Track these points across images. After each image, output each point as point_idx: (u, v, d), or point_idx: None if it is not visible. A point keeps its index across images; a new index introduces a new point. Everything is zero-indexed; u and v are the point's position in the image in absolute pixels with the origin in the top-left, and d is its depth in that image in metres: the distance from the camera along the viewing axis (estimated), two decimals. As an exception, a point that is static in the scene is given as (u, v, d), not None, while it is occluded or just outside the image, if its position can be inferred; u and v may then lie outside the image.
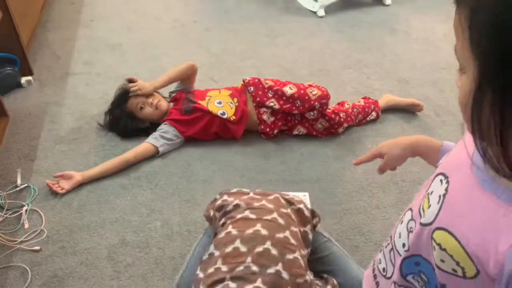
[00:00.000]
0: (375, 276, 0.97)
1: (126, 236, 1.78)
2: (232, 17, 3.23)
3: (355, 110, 2.29)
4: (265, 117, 2.18)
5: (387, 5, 3.42)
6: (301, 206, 1.43)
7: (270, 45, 2.96)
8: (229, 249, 1.24)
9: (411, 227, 0.81)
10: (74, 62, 2.70)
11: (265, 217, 1.31)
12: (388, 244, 0.91)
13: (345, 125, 2.25)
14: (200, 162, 2.12)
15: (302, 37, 3.06)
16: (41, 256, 1.69)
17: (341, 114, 2.23)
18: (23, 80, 2.48)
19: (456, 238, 0.65)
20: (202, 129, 2.16)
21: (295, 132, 2.23)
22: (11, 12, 2.34)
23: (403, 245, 0.83)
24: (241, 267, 1.19)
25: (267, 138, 2.22)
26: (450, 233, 0.67)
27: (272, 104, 2.17)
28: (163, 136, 2.13)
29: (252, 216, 1.32)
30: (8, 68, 2.42)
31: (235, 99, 2.21)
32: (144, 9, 3.26)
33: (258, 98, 2.19)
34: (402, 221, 0.86)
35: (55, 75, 2.59)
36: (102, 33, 2.97)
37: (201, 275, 1.23)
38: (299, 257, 1.24)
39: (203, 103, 2.18)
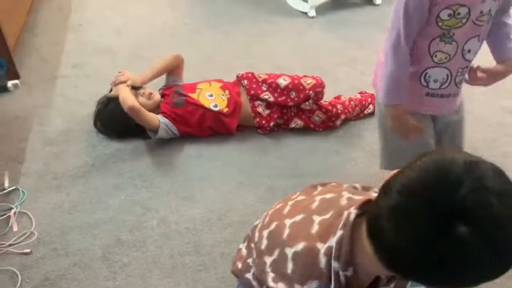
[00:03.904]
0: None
1: (121, 235, 1.70)
2: (222, 19, 3.19)
3: (352, 102, 2.25)
4: (260, 109, 2.13)
5: (377, 5, 3.42)
6: None
7: (262, 45, 2.92)
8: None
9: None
10: (63, 65, 2.63)
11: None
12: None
13: (343, 117, 2.20)
14: (195, 159, 2.05)
15: (294, 37, 3.03)
16: (32, 258, 1.60)
17: (338, 106, 2.19)
18: (10, 84, 2.39)
19: None
20: (196, 124, 2.10)
21: (292, 125, 2.17)
22: (-4, 14, 2.28)
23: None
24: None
25: (263, 132, 2.16)
26: None
27: (266, 96, 2.12)
28: (163, 119, 2.06)
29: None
30: (-6, 72, 2.34)
31: (227, 91, 2.16)
32: (133, 13, 3.21)
33: (252, 91, 2.14)
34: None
35: (43, 78, 2.51)
36: (91, 37, 2.90)
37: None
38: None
39: (193, 95, 2.12)
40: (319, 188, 1.06)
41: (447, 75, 1.37)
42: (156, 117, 2.04)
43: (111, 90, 2.15)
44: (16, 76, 2.45)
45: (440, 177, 0.66)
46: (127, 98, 1.98)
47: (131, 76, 2.13)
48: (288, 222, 0.94)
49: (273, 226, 0.97)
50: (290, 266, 0.88)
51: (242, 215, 1.80)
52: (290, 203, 1.02)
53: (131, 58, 2.73)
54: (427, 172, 0.67)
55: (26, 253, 1.61)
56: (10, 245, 1.63)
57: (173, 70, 2.24)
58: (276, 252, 0.92)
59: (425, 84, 1.40)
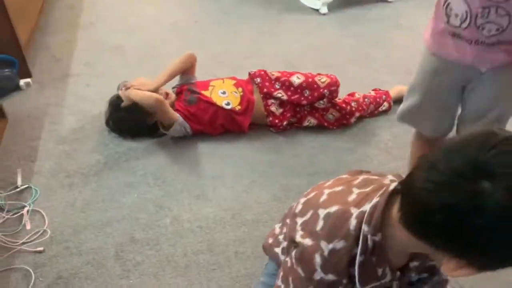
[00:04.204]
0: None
1: (134, 234, 1.68)
2: (232, 17, 3.17)
3: (366, 100, 2.22)
4: (273, 108, 2.11)
5: (390, 1, 3.37)
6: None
7: (273, 43, 2.90)
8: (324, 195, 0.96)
9: None
10: (74, 63, 2.62)
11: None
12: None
13: (357, 114, 2.17)
14: (208, 157, 2.03)
15: (306, 34, 3.00)
16: (45, 257, 1.59)
17: (352, 104, 2.16)
18: (22, 82, 2.39)
19: None
20: (208, 122, 2.08)
21: (305, 124, 2.14)
22: (8, 13, 2.27)
23: None
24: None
25: (276, 131, 2.14)
26: None
27: (280, 95, 2.09)
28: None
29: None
30: (6, 70, 2.34)
31: (240, 89, 2.13)
32: (143, 13, 3.20)
33: (265, 89, 2.11)
34: None
35: (55, 76, 2.51)
36: (102, 36, 2.90)
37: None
38: None
39: (206, 93, 2.10)
40: (364, 173, 1.07)
41: (466, 12, 1.26)
42: (175, 115, 2.02)
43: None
44: (28, 75, 2.45)
45: (480, 137, 0.68)
46: (147, 94, 1.97)
47: (145, 81, 2.10)
48: (327, 191, 0.95)
49: (311, 194, 0.98)
50: (320, 224, 0.89)
51: (255, 213, 1.78)
52: (333, 179, 1.03)
53: (142, 56, 2.72)
54: (472, 135, 0.69)
55: (39, 252, 1.60)
56: (23, 243, 1.63)
57: (187, 69, 2.21)
58: (309, 213, 0.93)
59: (446, 19, 1.32)
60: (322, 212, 0.90)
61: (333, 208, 0.89)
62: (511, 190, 0.62)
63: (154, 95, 1.97)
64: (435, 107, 1.52)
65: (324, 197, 0.94)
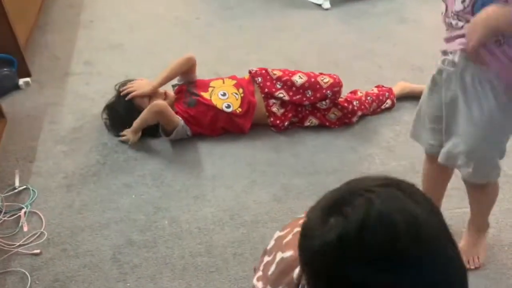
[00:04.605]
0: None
1: (132, 236, 1.66)
2: (235, 13, 3.14)
3: (368, 98, 2.18)
4: (274, 109, 2.07)
5: (394, -4, 3.32)
6: None
7: (276, 39, 2.86)
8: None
9: None
10: (74, 62, 2.61)
11: None
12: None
13: (359, 113, 2.13)
14: (207, 157, 2.01)
15: (309, 30, 2.96)
16: (42, 259, 1.58)
17: (354, 103, 2.12)
18: (21, 81, 2.38)
19: None
20: (208, 125, 2.05)
21: (307, 124, 2.11)
22: (6, 11, 2.26)
23: None
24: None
25: (277, 131, 2.10)
26: None
27: (281, 95, 2.06)
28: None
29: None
30: (5, 70, 2.33)
31: (240, 90, 2.09)
32: (145, 9, 3.18)
33: (266, 89, 2.08)
34: None
35: (55, 75, 2.49)
36: (103, 34, 2.88)
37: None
38: None
39: (206, 95, 2.07)
40: None
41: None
42: (178, 117, 2.00)
43: (119, 93, 2.10)
44: (28, 74, 2.44)
45: (351, 183, 0.63)
46: (145, 114, 1.98)
47: (143, 84, 2.08)
48: (295, 230, 0.92)
49: (285, 231, 0.95)
50: (272, 268, 0.87)
51: (255, 214, 1.75)
52: None
53: (142, 54, 2.69)
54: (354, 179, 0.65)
55: (36, 254, 1.59)
56: (20, 245, 1.61)
57: (186, 71, 2.15)
58: (272, 255, 0.91)
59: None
60: (278, 256, 0.87)
61: (287, 253, 0.85)
62: (345, 230, 0.56)
63: (153, 107, 1.95)
64: (428, 117, 1.43)
65: (289, 238, 0.89)
